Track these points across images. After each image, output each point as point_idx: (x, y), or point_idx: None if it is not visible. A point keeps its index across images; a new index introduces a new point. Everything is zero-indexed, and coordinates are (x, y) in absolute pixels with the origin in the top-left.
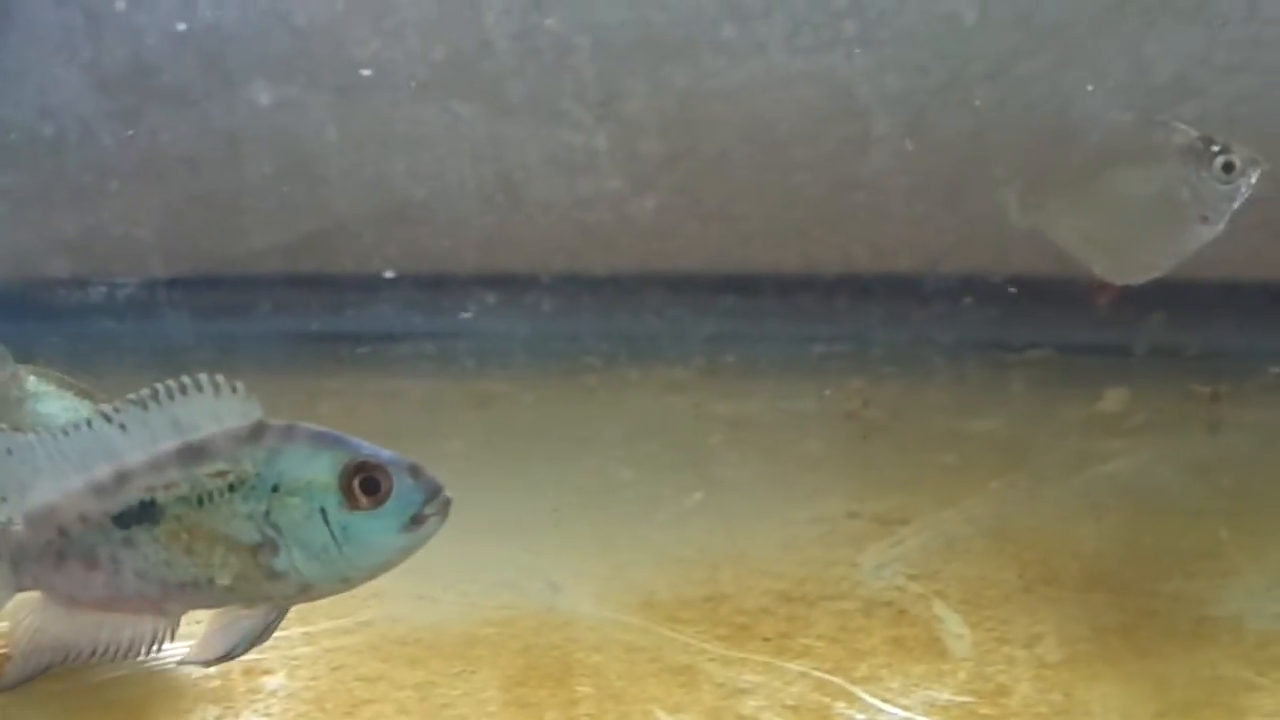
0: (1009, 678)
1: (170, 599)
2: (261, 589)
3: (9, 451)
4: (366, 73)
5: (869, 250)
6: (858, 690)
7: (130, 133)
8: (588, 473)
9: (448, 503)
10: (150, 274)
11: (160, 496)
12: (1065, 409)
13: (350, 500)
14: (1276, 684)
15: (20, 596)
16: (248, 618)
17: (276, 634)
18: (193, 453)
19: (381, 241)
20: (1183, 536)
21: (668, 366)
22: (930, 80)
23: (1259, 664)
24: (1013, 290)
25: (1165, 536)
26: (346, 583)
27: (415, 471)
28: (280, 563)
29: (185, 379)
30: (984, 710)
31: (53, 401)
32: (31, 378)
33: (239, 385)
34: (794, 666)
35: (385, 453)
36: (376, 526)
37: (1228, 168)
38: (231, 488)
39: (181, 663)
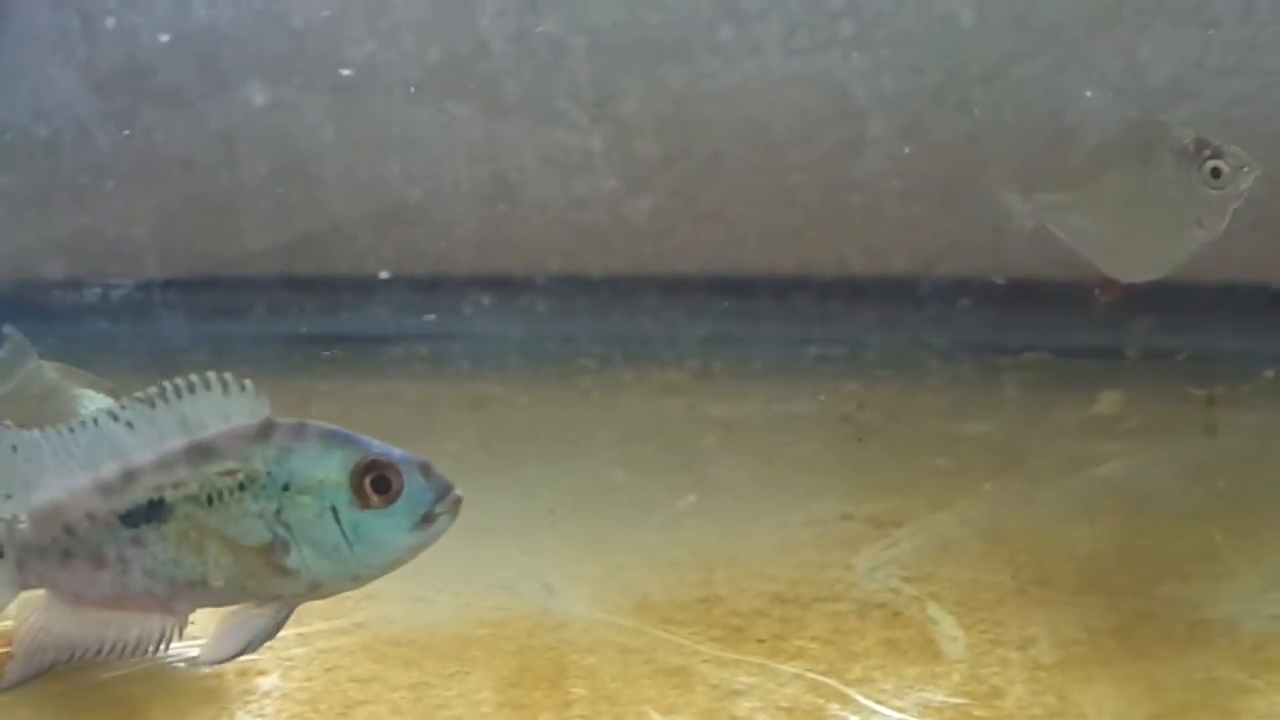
0: (1003, 680)
1: (178, 597)
2: (271, 587)
3: (14, 449)
4: (346, 73)
5: (864, 252)
6: (852, 692)
7: (126, 133)
8: (582, 475)
9: (458, 501)
10: (145, 275)
11: (169, 495)
12: (1060, 412)
13: (361, 499)
14: (1271, 686)
15: (24, 595)
16: (258, 616)
17: None
18: (202, 451)
19: (376, 243)
20: (1178, 539)
21: (662, 368)
22: (926, 82)
23: (1253, 666)
24: (1000, 281)
25: (1160, 539)
26: (356, 581)
27: (426, 470)
28: (291, 561)
29: (193, 377)
30: (978, 712)
31: (88, 401)
32: (54, 374)
33: (247, 383)
34: (788, 668)
35: (396, 451)
36: (388, 525)
37: (1215, 173)
38: (242, 486)
39: (195, 664)
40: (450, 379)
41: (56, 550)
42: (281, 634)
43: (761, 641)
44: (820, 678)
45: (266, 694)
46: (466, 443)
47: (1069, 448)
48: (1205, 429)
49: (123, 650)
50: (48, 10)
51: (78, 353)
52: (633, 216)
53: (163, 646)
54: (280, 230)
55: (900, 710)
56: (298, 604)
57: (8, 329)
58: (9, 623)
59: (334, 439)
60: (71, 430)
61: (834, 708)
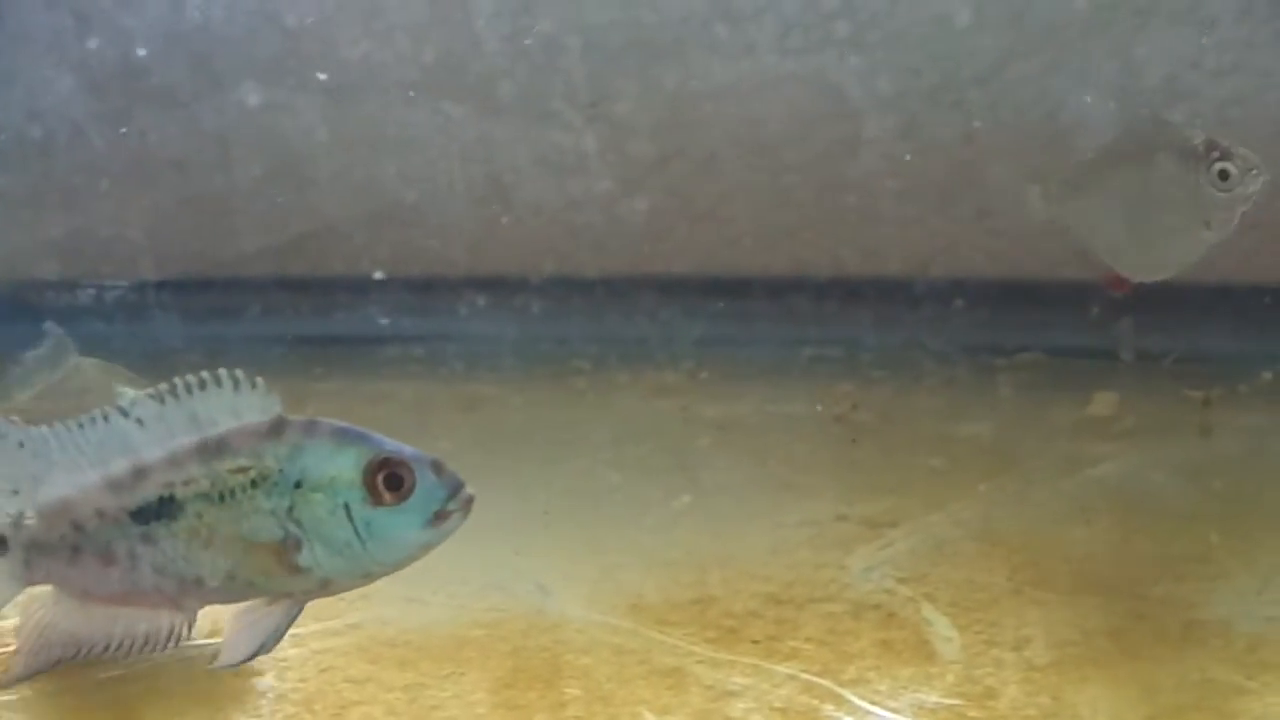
0: (997, 680)
1: (188, 595)
2: (282, 584)
3: (21, 444)
4: (323, 77)
5: (859, 253)
6: (846, 693)
7: (123, 130)
8: (576, 475)
9: (470, 499)
10: (140, 276)
11: (180, 492)
12: (1055, 412)
13: (374, 496)
14: (1266, 687)
15: (30, 590)
16: (269, 615)
17: None
18: (213, 448)
19: (371, 244)
20: (1173, 540)
21: (657, 369)
22: (922, 82)
23: (1249, 667)
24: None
25: (1155, 540)
26: (368, 578)
27: (438, 467)
28: (303, 558)
29: (204, 374)
30: (972, 713)
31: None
32: (94, 370)
33: (258, 381)
34: (782, 669)
35: (408, 448)
36: (400, 522)
37: (1223, 175)
38: (254, 484)
39: (213, 668)
40: (445, 380)
41: (65, 546)
42: None
43: (756, 642)
44: (815, 679)
45: (262, 694)
46: (461, 443)
47: (1064, 448)
48: (1201, 430)
49: (130, 647)
50: (42, 11)
51: None
52: (627, 217)
53: (171, 644)
54: (275, 231)
55: (895, 711)
56: (308, 601)
57: (48, 326)
58: (15, 620)
59: (346, 436)
60: (81, 426)
61: (828, 709)
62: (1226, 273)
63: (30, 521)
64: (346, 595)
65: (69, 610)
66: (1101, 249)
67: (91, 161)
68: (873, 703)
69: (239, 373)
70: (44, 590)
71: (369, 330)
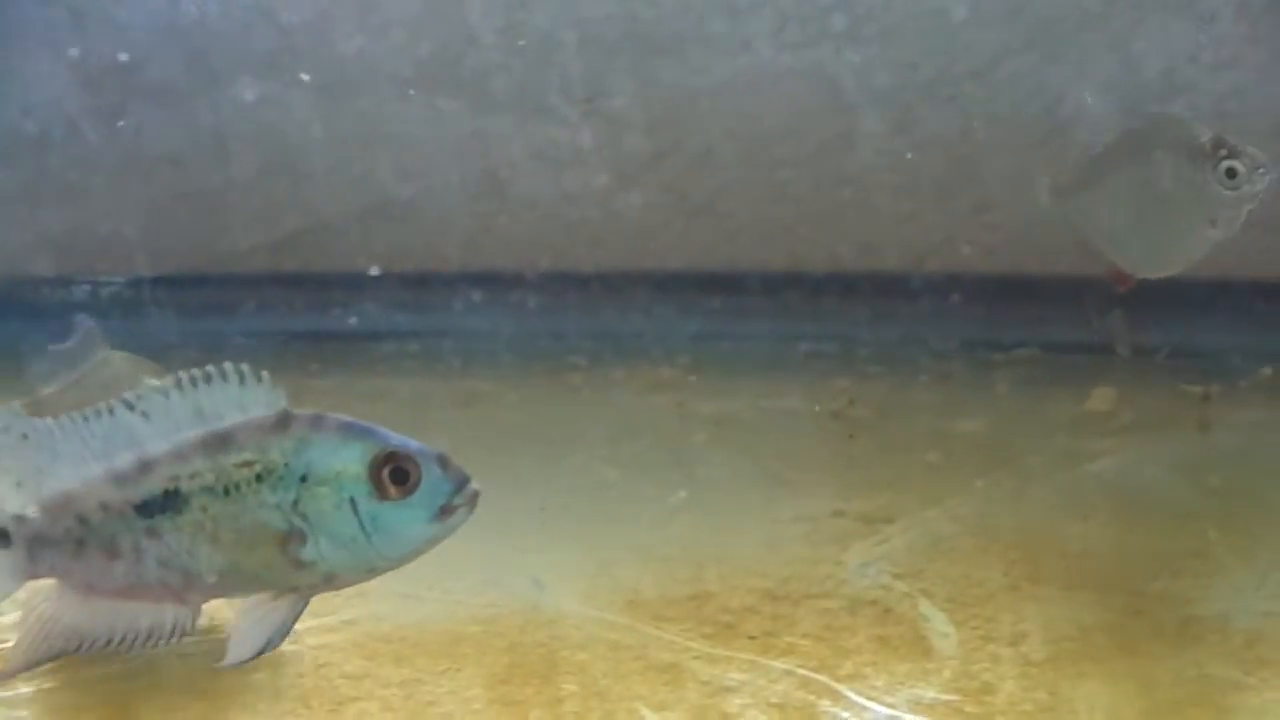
0: (994, 676)
1: (192, 588)
2: (287, 578)
3: (25, 437)
4: (308, 78)
5: (856, 248)
6: (843, 688)
7: (121, 123)
8: (573, 471)
9: (476, 494)
10: (135, 272)
11: (184, 486)
12: (1052, 408)
13: (380, 490)
14: (1263, 683)
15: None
16: (274, 611)
17: None
18: (218, 442)
19: (366, 239)
20: (1170, 535)
21: (653, 365)
22: (918, 77)
23: (1246, 663)
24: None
25: (1152, 536)
26: (373, 572)
27: (444, 462)
28: (307, 552)
29: (210, 367)
30: (969, 708)
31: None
32: (124, 363)
33: (264, 375)
34: (779, 664)
35: (414, 443)
36: (405, 516)
37: (1230, 173)
38: (259, 478)
39: (220, 666)
40: (441, 376)
41: (69, 540)
42: None
43: (752, 638)
44: (811, 674)
45: (258, 691)
46: (457, 439)
47: (1061, 444)
48: (1200, 425)
49: (133, 641)
50: (37, 6)
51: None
52: (623, 212)
53: (174, 638)
54: (270, 227)
55: (891, 707)
56: (313, 595)
57: (79, 318)
58: (12, 615)
59: (352, 430)
60: (86, 419)
61: (825, 704)
62: (1226, 268)
63: (34, 514)
64: (343, 591)
65: (72, 604)
66: (1107, 244)
67: (86, 157)
68: (869, 698)
69: (244, 367)
70: (46, 583)
71: (365, 326)
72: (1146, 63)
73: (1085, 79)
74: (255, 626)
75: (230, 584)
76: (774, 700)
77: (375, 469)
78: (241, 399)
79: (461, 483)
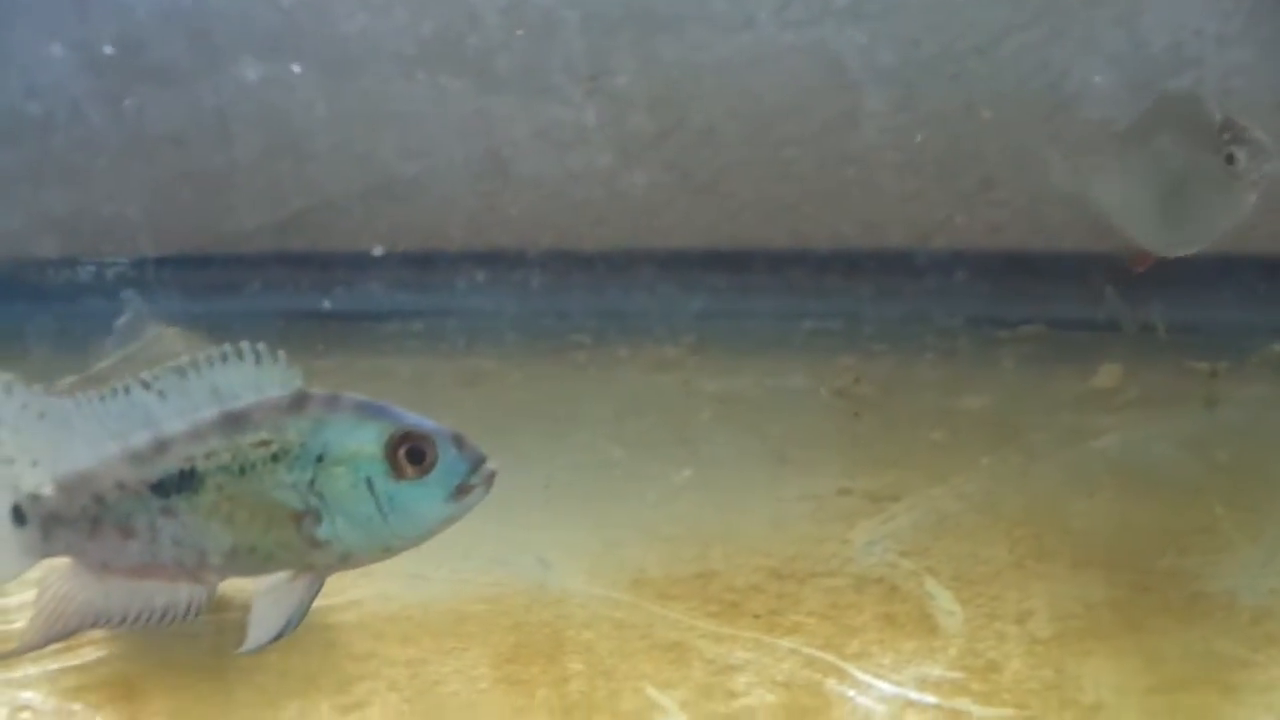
0: (1000, 654)
1: (207, 567)
2: (303, 558)
3: (41, 415)
4: (297, 70)
5: (860, 225)
6: (849, 666)
7: (126, 102)
8: (578, 450)
9: (492, 474)
10: (139, 253)
11: (201, 465)
12: (1058, 385)
13: (396, 470)
14: (1270, 660)
15: (47, 562)
16: (291, 592)
17: None
18: (234, 421)
19: (370, 219)
20: (1177, 512)
21: (657, 343)
22: (921, 53)
23: (1253, 640)
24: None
25: (1159, 512)
26: (388, 552)
27: (460, 441)
28: (323, 532)
29: (226, 347)
30: (975, 686)
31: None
32: (176, 340)
33: (280, 354)
34: (784, 643)
35: (429, 422)
36: (422, 495)
37: (1234, 157)
38: (275, 457)
39: (242, 651)
40: (445, 355)
41: (85, 518)
42: None
43: (758, 617)
44: (817, 652)
45: (265, 670)
46: (462, 419)
47: (1067, 421)
48: (1207, 402)
49: (148, 619)
50: None
51: (73, 331)
52: (627, 191)
53: (189, 616)
54: (273, 207)
55: (898, 684)
56: (328, 575)
57: (127, 295)
58: (18, 596)
59: (368, 410)
60: (102, 399)
61: (831, 682)
62: (1234, 244)
63: (49, 493)
64: (349, 572)
65: (87, 582)
66: (1126, 223)
67: (90, 138)
68: (876, 676)
69: (261, 346)
70: (62, 562)
71: (369, 306)
72: (1152, 38)
73: (1090, 55)
74: (273, 608)
75: (246, 563)
76: (779, 678)
77: (391, 449)
78: (258, 378)
79: (477, 462)
